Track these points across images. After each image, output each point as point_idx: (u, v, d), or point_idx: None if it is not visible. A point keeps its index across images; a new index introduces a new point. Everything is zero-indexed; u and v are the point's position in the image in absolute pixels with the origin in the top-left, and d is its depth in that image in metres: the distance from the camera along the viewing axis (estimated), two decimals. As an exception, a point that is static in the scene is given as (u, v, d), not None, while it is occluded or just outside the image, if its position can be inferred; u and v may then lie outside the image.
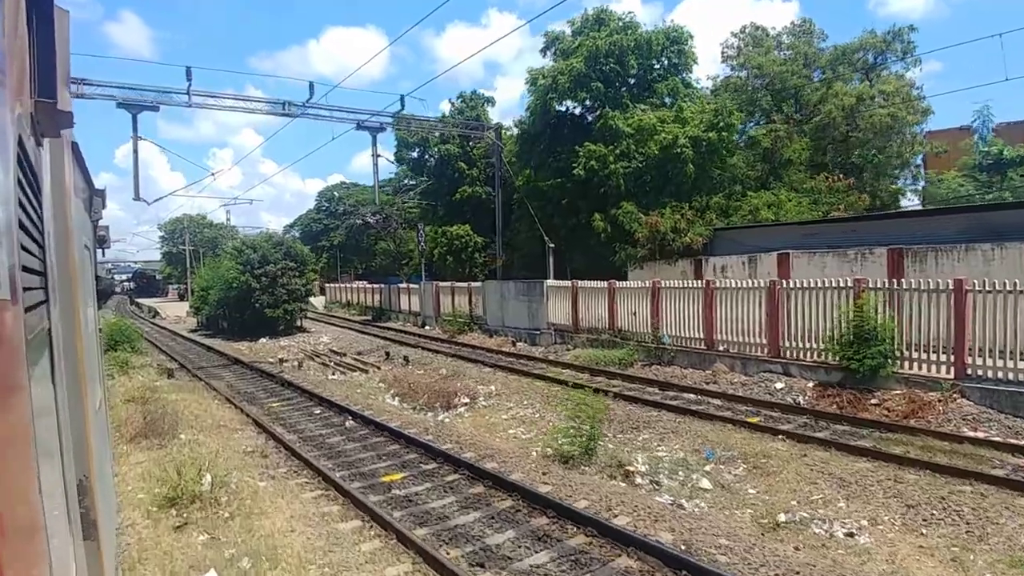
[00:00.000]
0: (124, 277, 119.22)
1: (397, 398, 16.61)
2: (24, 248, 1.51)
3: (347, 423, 13.55)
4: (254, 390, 18.10)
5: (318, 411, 14.96)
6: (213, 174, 22.18)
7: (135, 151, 20.55)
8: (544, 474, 9.83)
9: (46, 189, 2.20)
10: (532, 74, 28.44)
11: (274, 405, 15.78)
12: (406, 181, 64.51)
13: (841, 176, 24.43)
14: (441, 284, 33.19)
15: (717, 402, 14.14)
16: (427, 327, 33.22)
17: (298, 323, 34.88)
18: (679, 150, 23.29)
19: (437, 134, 39.06)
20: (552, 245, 24.78)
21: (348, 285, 54.67)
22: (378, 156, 25.78)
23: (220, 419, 13.57)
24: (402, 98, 23.79)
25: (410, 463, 10.49)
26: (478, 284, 29.48)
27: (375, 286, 45.28)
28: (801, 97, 29.03)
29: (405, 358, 22.21)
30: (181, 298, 74.02)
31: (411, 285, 37.62)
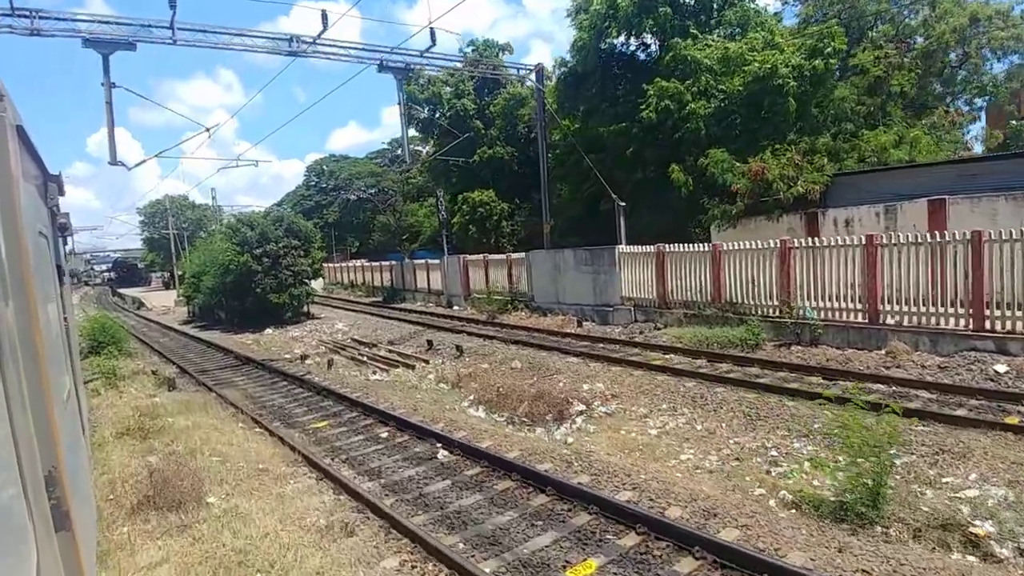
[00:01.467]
0: (104, 267, 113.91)
1: (479, 407, 12.52)
2: None
3: (439, 454, 9.50)
4: (283, 401, 13.95)
5: (384, 433, 10.88)
6: (208, 129, 17.72)
7: (108, 102, 16.01)
8: (827, 547, 5.95)
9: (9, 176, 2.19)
10: (579, 2, 23.92)
11: (319, 425, 11.68)
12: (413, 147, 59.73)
13: (960, 110, 20.57)
14: (470, 258, 28.98)
15: (952, 398, 10.25)
16: (455, 307, 29.09)
17: (305, 309, 30.58)
18: (779, 81, 19.12)
19: (468, 77, 34.44)
20: (623, 204, 20.65)
21: (349, 264, 50.23)
22: (406, 105, 21.35)
23: (256, 458, 9.46)
24: (432, 32, 19.31)
25: (586, 535, 6.51)
26: (519, 255, 25.33)
27: (384, 264, 40.95)
28: (896, 21, 24.86)
29: (457, 347, 18.12)
30: (166, 286, 69.02)
31: (430, 261, 33.34)
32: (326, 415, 12.41)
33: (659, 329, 17.80)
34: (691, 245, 18.05)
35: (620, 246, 20.06)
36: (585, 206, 26.30)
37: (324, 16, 17.63)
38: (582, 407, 11.66)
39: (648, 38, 24.85)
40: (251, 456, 9.52)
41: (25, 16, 14.84)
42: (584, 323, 20.38)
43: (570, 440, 10.44)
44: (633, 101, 22.71)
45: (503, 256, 26.73)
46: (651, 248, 18.78)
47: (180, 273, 49.33)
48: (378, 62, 20.01)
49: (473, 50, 37.05)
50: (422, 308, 31.43)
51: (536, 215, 33.69)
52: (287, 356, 20.43)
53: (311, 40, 18.55)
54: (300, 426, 11.74)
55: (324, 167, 70.67)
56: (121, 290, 77.11)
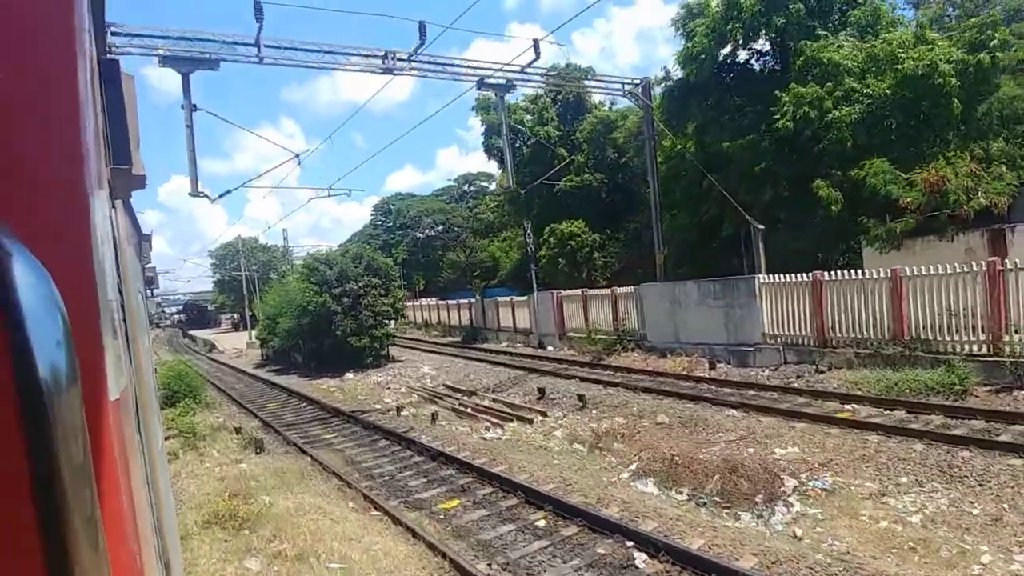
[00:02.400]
0: (175, 310, 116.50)
1: (647, 480, 9.83)
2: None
3: (636, 559, 6.88)
4: (392, 469, 11.57)
5: (540, 520, 8.33)
6: (298, 156, 15.95)
7: (189, 126, 14.39)
8: None
9: (121, 247, 2.27)
10: (689, 7, 21.56)
11: (449, 506, 9.21)
12: (479, 182, 58.52)
13: None
14: (565, 293, 26.50)
15: None
16: (548, 348, 26.54)
17: (385, 352, 28.54)
18: (939, 80, 16.23)
19: (551, 103, 32.56)
20: (761, 227, 17.86)
21: (422, 303, 48.49)
22: (510, 124, 19.29)
23: (387, 563, 7.05)
24: (536, 44, 17.25)
25: None
26: (626, 290, 22.70)
27: (461, 301, 38.91)
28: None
29: (580, 397, 15.52)
30: (236, 328, 68.93)
31: (515, 298, 31.02)
32: (452, 489, 9.94)
33: (822, 372, 14.79)
34: (857, 272, 15.11)
35: (760, 276, 17.23)
36: (700, 232, 23.51)
37: (422, 28, 15.79)
38: (793, 482, 8.86)
39: (763, 45, 22.26)
40: (380, 560, 7.09)
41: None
42: (717, 365, 17.50)
43: (798, 532, 7.68)
44: (758, 112, 20.04)
45: (605, 291, 24.14)
46: (803, 276, 15.90)
47: (251, 315, 48.55)
48: (478, 79, 18.02)
49: (555, 75, 35.22)
50: (508, 348, 29.03)
51: (631, 246, 31.12)
52: (378, 407, 18.20)
53: (407, 57, 16.72)
54: (425, 507, 9.29)
55: (391, 206, 69.93)
56: (192, 332, 77.76)
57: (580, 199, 32.13)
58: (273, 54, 15.47)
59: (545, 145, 32.94)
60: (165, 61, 14.19)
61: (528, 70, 19.05)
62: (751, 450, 10.13)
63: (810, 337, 15.72)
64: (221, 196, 15.46)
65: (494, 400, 17.50)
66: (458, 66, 18.09)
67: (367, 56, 16.63)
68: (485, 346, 31.47)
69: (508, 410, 15.91)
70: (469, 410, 16.46)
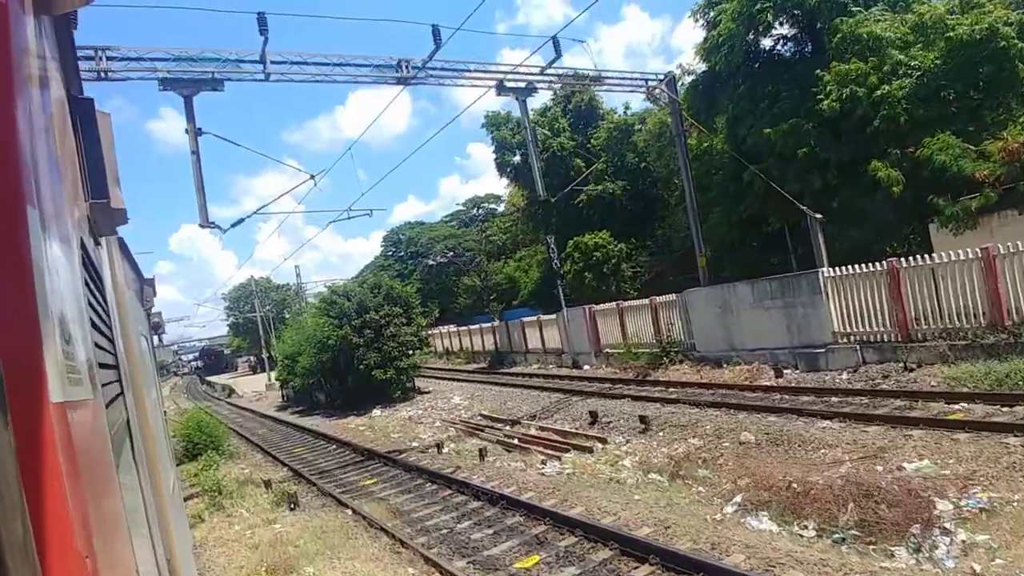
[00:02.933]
0: (191, 356, 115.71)
1: (758, 515, 8.28)
2: (97, 345, 1.55)
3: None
4: (448, 519, 10.03)
5: (647, 578, 6.80)
6: (313, 177, 14.69)
7: (195, 152, 13.14)
8: None
9: (108, 285, 2.31)
10: (715, -9, 20.25)
11: (528, 564, 7.68)
12: (487, 205, 57.42)
13: None
14: (599, 308, 25.03)
15: None
16: (585, 367, 25.00)
17: (411, 383, 27.04)
18: (1000, 43, 14.80)
19: (561, 114, 31.43)
20: (819, 216, 16.30)
21: (441, 330, 47.08)
22: (533, 127, 17.96)
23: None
24: (555, 42, 15.97)
25: None
26: (667, 298, 21.20)
27: (483, 326, 37.50)
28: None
29: (642, 419, 13.98)
30: (254, 370, 67.68)
31: (543, 317, 29.54)
32: (526, 542, 8.40)
33: (911, 370, 13.19)
34: (939, 255, 13.58)
35: (824, 269, 15.69)
36: (741, 231, 22.00)
37: (436, 32, 14.56)
38: (945, 504, 7.30)
39: (789, 31, 20.94)
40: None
41: (90, 57, 12.17)
42: (784, 372, 15.93)
43: (976, 567, 6.16)
44: (796, 97, 18.63)
45: (642, 301, 22.63)
46: (876, 266, 14.37)
47: (269, 356, 47.30)
48: (497, 82, 16.76)
49: (572, 75, 34.11)
50: (541, 371, 27.51)
51: (659, 254, 29.70)
52: (415, 444, 16.72)
53: (422, 64, 15.49)
54: (500, 567, 7.76)
55: (401, 235, 68.87)
56: (209, 378, 76.57)
57: (602, 209, 30.78)
58: (280, 69, 14.24)
59: (560, 157, 31.69)
60: (166, 84, 13.00)
61: (548, 71, 17.81)
62: (878, 468, 8.55)
63: (891, 332, 14.14)
64: (233, 226, 14.25)
65: (541, 429, 15.99)
66: (475, 71, 16.83)
67: (379, 67, 15.42)
68: (514, 370, 29.96)
69: (560, 439, 14.41)
70: (516, 441, 14.96)
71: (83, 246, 1.46)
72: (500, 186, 52.80)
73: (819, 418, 11.45)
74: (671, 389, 17.24)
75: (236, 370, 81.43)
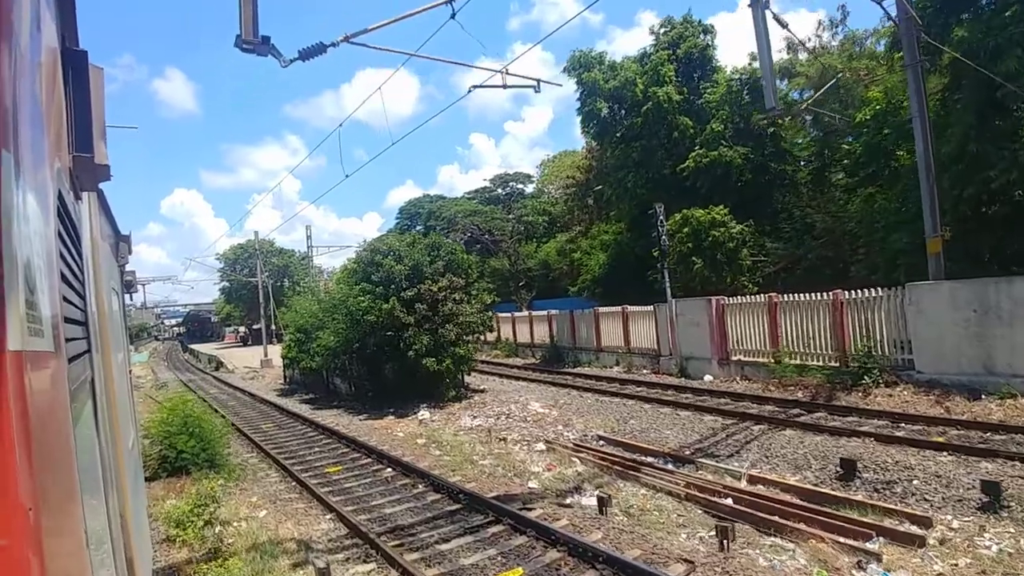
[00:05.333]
0: (174, 322, 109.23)
1: None
2: (66, 299, 1.53)
3: None
4: None
5: None
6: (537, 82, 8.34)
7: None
8: None
9: (85, 240, 2.29)
10: None
11: None
12: (514, 184, 51.00)
13: None
14: (730, 301, 18.89)
15: None
16: (706, 376, 18.90)
17: (462, 378, 20.77)
18: None
19: (666, 59, 25.09)
20: None
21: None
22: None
23: None
24: None
25: None
26: (863, 295, 15.06)
27: (537, 314, 31.35)
28: None
29: (987, 489, 7.84)
30: (244, 342, 61.00)
31: (629, 308, 23.34)
32: None
33: None
34: None
35: None
36: (974, 206, 15.66)
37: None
38: None
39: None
40: None
41: None
42: None
43: None
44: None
45: (810, 296, 16.45)
46: None
47: (267, 326, 40.77)
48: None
49: (666, 32, 27.91)
50: (627, 375, 21.42)
51: (797, 240, 23.48)
52: (532, 484, 10.50)
53: None
54: None
55: (421, 208, 62.42)
56: (193, 346, 69.72)
57: (712, 180, 24.55)
58: None
59: (663, 111, 25.46)
60: None
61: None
62: None
63: None
64: (304, 58, 7.76)
65: (753, 480, 9.80)
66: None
67: None
68: (585, 371, 23.89)
69: (811, 507, 8.22)
70: (729, 501, 8.76)
71: (60, 198, 1.45)
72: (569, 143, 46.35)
73: None
74: (932, 429, 11.12)
75: (223, 340, 74.53)
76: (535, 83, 12.11)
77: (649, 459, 11.45)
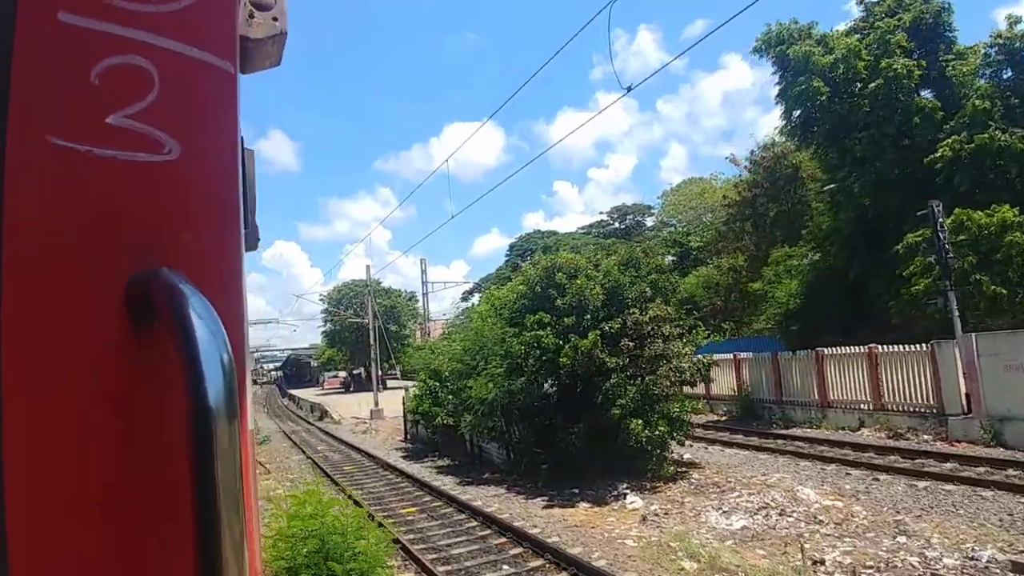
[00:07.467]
0: (273, 366, 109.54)
1: None
2: None
3: None
4: None
5: None
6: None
7: None
8: None
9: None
10: None
11: None
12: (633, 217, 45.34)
13: None
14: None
15: None
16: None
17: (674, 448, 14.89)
18: None
19: (896, 24, 19.29)
20: None
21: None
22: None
23: None
24: None
25: None
26: None
27: (721, 357, 25.12)
28: None
29: None
30: (346, 388, 57.33)
31: (879, 348, 16.95)
32: None
33: None
34: None
35: None
36: None
37: None
38: None
39: None
40: None
41: None
42: None
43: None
44: None
45: None
46: None
47: (390, 369, 36.36)
48: None
49: (879, 2, 21.97)
50: (893, 440, 15.05)
51: None
52: None
53: None
54: None
55: (534, 243, 57.81)
56: (292, 391, 66.90)
57: (979, 173, 18.07)
58: None
59: (895, 87, 19.32)
60: None
61: None
62: None
63: None
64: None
65: None
66: None
67: None
68: (809, 433, 17.74)
69: None
70: None
71: None
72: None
73: None
74: None
75: (320, 385, 71.47)
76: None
77: None
